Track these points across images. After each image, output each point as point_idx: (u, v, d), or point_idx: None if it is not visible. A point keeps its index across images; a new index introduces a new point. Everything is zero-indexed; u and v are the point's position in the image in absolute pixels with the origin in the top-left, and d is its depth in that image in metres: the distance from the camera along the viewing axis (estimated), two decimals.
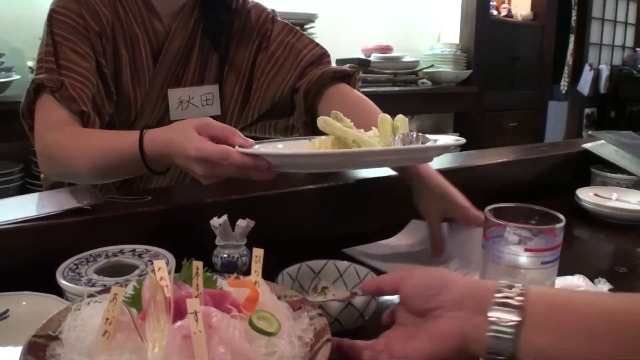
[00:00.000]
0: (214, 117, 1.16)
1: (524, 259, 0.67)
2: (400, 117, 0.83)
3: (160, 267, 0.59)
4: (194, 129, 0.78)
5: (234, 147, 0.75)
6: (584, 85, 4.47)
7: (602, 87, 4.61)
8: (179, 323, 0.52)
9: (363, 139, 0.76)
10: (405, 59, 3.02)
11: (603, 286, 0.88)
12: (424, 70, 3.09)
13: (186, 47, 1.15)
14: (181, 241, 0.88)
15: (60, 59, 1.02)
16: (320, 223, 1.05)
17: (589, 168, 1.53)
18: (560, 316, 0.47)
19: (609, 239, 1.18)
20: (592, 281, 0.87)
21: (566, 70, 4.28)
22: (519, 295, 0.49)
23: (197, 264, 0.56)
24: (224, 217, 0.85)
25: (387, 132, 0.80)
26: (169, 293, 0.56)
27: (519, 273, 0.68)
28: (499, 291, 0.50)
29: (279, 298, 0.65)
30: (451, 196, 0.93)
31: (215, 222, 0.85)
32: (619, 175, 1.47)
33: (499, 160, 1.35)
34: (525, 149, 1.56)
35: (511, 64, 3.59)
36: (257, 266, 0.61)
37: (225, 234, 0.85)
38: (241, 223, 0.85)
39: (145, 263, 0.83)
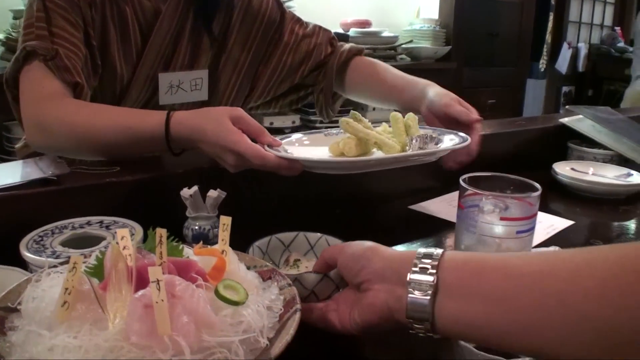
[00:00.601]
0: (201, 103, 1.17)
1: (499, 228, 0.66)
2: (411, 115, 0.89)
3: (124, 235, 0.57)
4: (229, 119, 0.81)
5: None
6: (562, 64, 4.47)
7: (581, 65, 4.62)
8: (140, 292, 0.49)
9: (384, 141, 0.82)
10: (384, 34, 2.99)
11: None
12: (403, 45, 3.06)
13: (176, 30, 1.11)
14: (151, 213, 0.83)
15: (53, 26, 0.97)
16: (298, 194, 1.02)
17: (566, 143, 1.52)
18: (470, 282, 0.48)
19: (585, 213, 1.18)
20: None
21: (545, 48, 4.28)
22: (433, 263, 0.50)
23: (161, 232, 0.53)
24: (195, 188, 0.82)
25: (401, 131, 0.86)
26: (131, 262, 0.53)
27: (494, 242, 0.67)
28: (416, 262, 0.52)
29: (248, 268, 0.64)
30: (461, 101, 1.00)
31: (186, 193, 0.82)
32: (595, 150, 1.47)
33: None
34: (503, 123, 1.53)
35: (490, 41, 3.58)
36: (224, 234, 0.59)
37: (196, 205, 0.83)
38: (212, 194, 0.83)
39: (113, 235, 0.80)
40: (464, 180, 0.70)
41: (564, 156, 1.51)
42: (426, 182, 1.06)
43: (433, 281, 0.50)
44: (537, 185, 0.69)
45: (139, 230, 0.78)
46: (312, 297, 0.66)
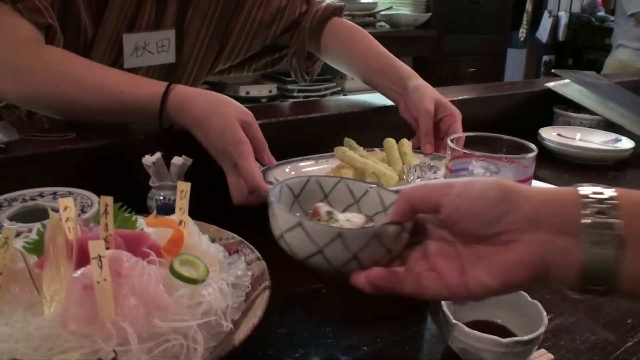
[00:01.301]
0: (169, 65, 1.07)
1: None
2: (405, 142, 0.90)
3: (67, 205, 0.49)
4: (239, 123, 0.75)
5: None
6: (543, 33, 4.42)
7: (561, 34, 4.57)
8: (80, 271, 0.42)
9: (382, 171, 0.80)
10: (363, 0, 2.89)
11: None
12: (382, 12, 2.97)
13: None
14: (111, 183, 0.76)
15: None
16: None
17: (552, 108, 1.48)
18: None
19: (574, 180, 1.12)
20: None
21: (525, 17, 4.22)
22: (613, 204, 0.39)
23: (106, 200, 0.46)
24: (158, 155, 0.77)
25: (397, 159, 0.86)
26: (72, 235, 0.46)
27: None
28: (586, 204, 0.40)
29: (213, 241, 0.57)
30: (442, 100, 0.98)
31: (148, 160, 0.77)
32: (582, 115, 1.43)
33: (460, 97, 1.27)
34: (487, 87, 1.48)
35: (471, 8, 3.50)
36: (182, 203, 0.51)
37: (159, 173, 0.77)
38: (177, 161, 0.77)
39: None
40: (452, 140, 0.63)
41: (549, 121, 1.46)
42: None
43: (618, 230, 0.39)
44: (532, 145, 0.63)
45: (96, 202, 0.70)
46: (353, 264, 0.48)
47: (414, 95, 0.99)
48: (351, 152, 0.83)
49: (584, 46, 4.51)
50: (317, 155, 0.93)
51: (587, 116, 1.42)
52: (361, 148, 0.88)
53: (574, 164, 1.21)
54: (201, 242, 0.52)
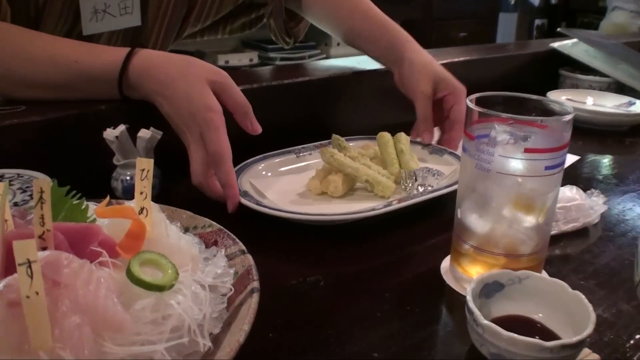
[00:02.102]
0: (134, 29, 0.96)
1: (522, 163, 0.51)
2: (402, 138, 0.85)
3: None
4: (209, 85, 0.68)
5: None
6: None
7: None
8: (3, 282, 0.32)
9: (376, 179, 0.76)
10: None
11: (597, 198, 0.74)
12: None
13: None
14: (68, 163, 0.72)
15: None
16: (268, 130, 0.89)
17: (558, 70, 1.40)
18: None
19: (589, 147, 1.05)
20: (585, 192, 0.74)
21: None
22: None
23: (40, 184, 0.35)
24: (121, 128, 0.70)
25: (392, 159, 0.82)
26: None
27: (515, 183, 0.52)
28: None
29: (185, 230, 0.50)
30: (443, 75, 0.90)
31: (110, 134, 0.70)
32: (591, 77, 1.36)
33: (461, 59, 1.20)
34: (489, 49, 1.40)
35: None
36: (143, 185, 0.41)
37: (124, 149, 0.71)
38: (144, 134, 0.70)
39: (15, 192, 0.63)
40: (472, 101, 0.54)
41: (555, 85, 1.39)
42: (409, 116, 0.95)
43: None
44: (568, 106, 0.54)
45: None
46: None
47: (408, 73, 0.91)
48: (340, 155, 0.77)
49: (578, 9, 4.42)
50: (299, 147, 0.87)
51: (596, 78, 1.35)
52: (350, 145, 0.83)
53: (586, 130, 1.13)
54: (169, 234, 0.43)
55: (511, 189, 0.52)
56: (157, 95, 0.70)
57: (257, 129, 0.72)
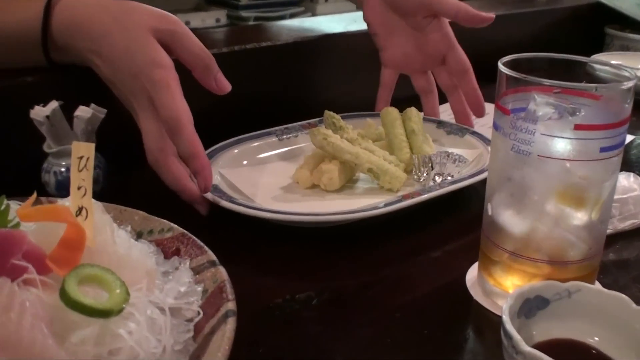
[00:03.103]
0: None
1: (571, 144, 0.51)
2: (413, 114, 0.85)
3: None
4: (153, 35, 0.68)
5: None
6: None
7: None
8: None
9: (382, 167, 0.76)
10: None
11: None
12: None
13: None
14: None
15: None
16: (242, 107, 0.91)
17: (603, 28, 1.43)
18: None
19: None
20: None
21: None
22: None
23: None
24: (53, 105, 0.70)
25: (400, 142, 0.82)
26: None
27: (562, 169, 0.52)
28: None
29: (138, 236, 0.50)
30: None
31: (39, 113, 0.69)
32: None
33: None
34: (517, 2, 1.42)
35: None
36: (81, 177, 0.41)
37: (57, 133, 0.71)
38: (82, 113, 0.70)
39: None
40: (505, 64, 0.54)
41: (600, 47, 1.42)
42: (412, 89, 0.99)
43: None
44: (628, 69, 0.54)
45: None
46: None
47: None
48: (336, 137, 0.77)
49: None
50: (282, 127, 0.88)
51: None
52: (350, 127, 0.82)
53: None
54: (116, 242, 0.42)
55: (557, 177, 0.52)
56: (92, 55, 0.70)
57: (225, 86, 0.72)
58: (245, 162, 0.81)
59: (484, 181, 0.58)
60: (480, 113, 0.92)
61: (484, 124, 1.00)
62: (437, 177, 0.77)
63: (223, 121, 0.79)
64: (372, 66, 1.02)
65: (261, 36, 1.01)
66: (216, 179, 0.74)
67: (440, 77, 0.96)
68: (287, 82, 1.01)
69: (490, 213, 0.56)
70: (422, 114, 0.89)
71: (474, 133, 0.87)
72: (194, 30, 0.74)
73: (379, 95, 0.98)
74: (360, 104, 0.97)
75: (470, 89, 0.92)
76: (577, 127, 0.50)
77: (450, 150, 0.81)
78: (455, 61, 0.92)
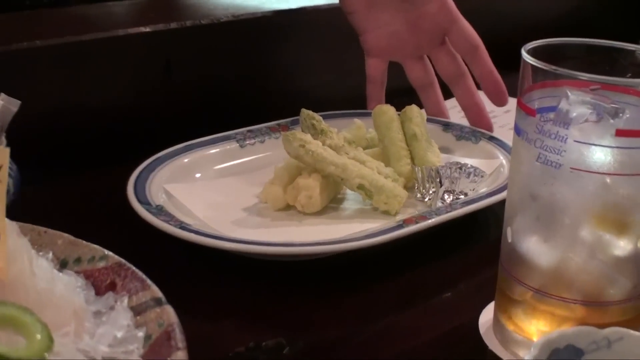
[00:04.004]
0: None
1: (612, 154, 0.52)
2: (414, 113, 0.87)
3: None
4: None
5: None
6: None
7: None
8: None
9: (376, 183, 0.76)
10: None
11: None
12: None
13: None
14: None
15: None
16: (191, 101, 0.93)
17: None
18: None
19: None
20: None
21: None
22: None
23: None
24: None
25: (400, 150, 0.83)
26: None
27: (601, 185, 0.53)
28: None
29: (62, 266, 0.51)
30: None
31: None
32: None
33: None
34: None
35: None
36: None
37: None
38: None
39: None
40: (530, 52, 0.56)
41: None
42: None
43: None
44: None
45: None
46: None
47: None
48: (316, 144, 0.77)
49: None
50: (244, 130, 0.89)
51: None
52: (334, 130, 0.84)
53: None
54: (36, 273, 0.43)
55: (594, 195, 0.53)
56: None
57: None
58: (198, 175, 0.82)
59: (503, 201, 0.60)
60: (501, 100, 0.91)
61: (503, 125, 1.01)
62: (446, 196, 0.78)
63: (168, 122, 0.79)
64: (358, 51, 1.04)
65: (217, 9, 1.03)
66: (160, 198, 0.75)
67: (440, 63, 0.95)
68: (250, 69, 1.03)
69: (510, 240, 0.57)
70: (424, 111, 0.90)
71: (492, 138, 0.88)
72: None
73: (368, 93, 0.98)
74: (346, 98, 0.98)
75: (484, 71, 0.92)
76: (620, 133, 0.52)
77: (462, 160, 0.82)
78: (461, 37, 0.92)
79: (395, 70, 1.00)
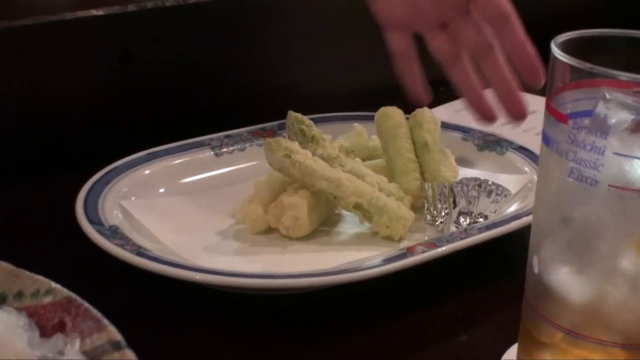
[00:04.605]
0: None
1: None
2: (424, 117, 0.89)
3: None
4: None
5: None
6: None
7: None
8: None
9: (378, 203, 0.76)
10: None
11: None
12: None
13: None
14: None
15: None
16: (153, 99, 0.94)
17: None
18: None
19: None
20: None
21: None
22: None
23: None
24: None
25: (407, 162, 0.84)
26: None
27: None
28: None
29: (0, 302, 0.52)
30: None
31: None
32: None
33: None
34: None
35: None
36: None
37: None
38: None
39: None
40: (560, 46, 0.56)
41: None
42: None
43: None
44: None
45: None
46: None
47: None
48: (305, 154, 0.78)
49: None
50: (220, 135, 0.90)
51: None
52: (328, 137, 0.84)
53: None
54: None
55: (638, 217, 0.53)
56: None
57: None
58: (162, 190, 0.83)
59: (529, 225, 0.60)
60: (536, 78, 0.88)
61: (528, 129, 1.02)
62: (462, 219, 0.78)
63: (127, 123, 0.80)
64: (360, 31, 1.04)
65: None
66: (116, 217, 0.75)
67: (464, 34, 0.94)
68: (226, 60, 1.03)
69: (537, 271, 0.57)
70: (438, 115, 0.90)
71: (522, 149, 0.88)
72: None
73: (399, 72, 0.95)
74: (343, 96, 0.98)
75: (515, 43, 0.90)
76: None
77: (483, 175, 0.83)
78: (488, 4, 0.91)
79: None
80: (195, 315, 0.67)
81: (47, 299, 0.51)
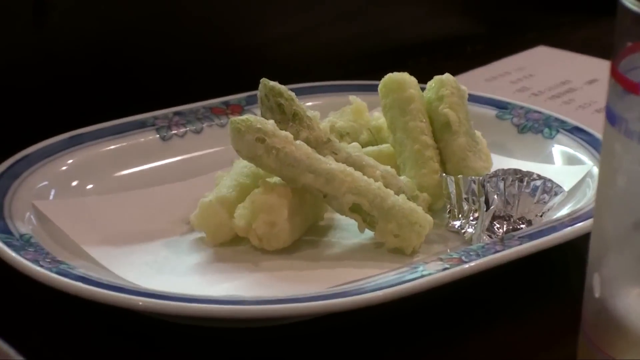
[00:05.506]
0: None
1: None
2: (448, 83, 0.87)
3: None
4: None
5: None
6: None
7: None
8: None
9: (383, 203, 0.76)
10: None
11: None
12: None
13: None
14: None
15: None
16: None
17: None
18: None
19: None
20: None
21: None
22: None
23: None
24: None
25: (423, 147, 0.84)
26: None
27: None
28: None
29: None
30: None
31: None
32: None
33: None
34: None
35: None
36: None
37: None
38: None
39: None
40: None
41: None
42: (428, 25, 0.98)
43: None
44: None
45: None
46: None
47: None
48: (285, 137, 0.77)
49: None
50: (167, 112, 0.91)
51: None
52: (315, 114, 0.84)
53: None
54: None
55: None
56: None
57: None
58: (90, 187, 0.83)
59: (587, 234, 0.59)
60: None
61: (586, 104, 1.02)
62: (497, 226, 0.78)
63: (43, 96, 0.80)
64: None
65: None
66: (28, 222, 0.75)
67: None
68: (174, 10, 1.04)
69: (598, 295, 0.57)
70: (464, 85, 0.88)
71: (577, 130, 0.88)
72: None
73: None
74: (332, 58, 0.99)
75: None
76: None
77: (526, 166, 0.82)
78: None
79: (422, 19, 1.01)
80: (137, 354, 0.67)
81: None
